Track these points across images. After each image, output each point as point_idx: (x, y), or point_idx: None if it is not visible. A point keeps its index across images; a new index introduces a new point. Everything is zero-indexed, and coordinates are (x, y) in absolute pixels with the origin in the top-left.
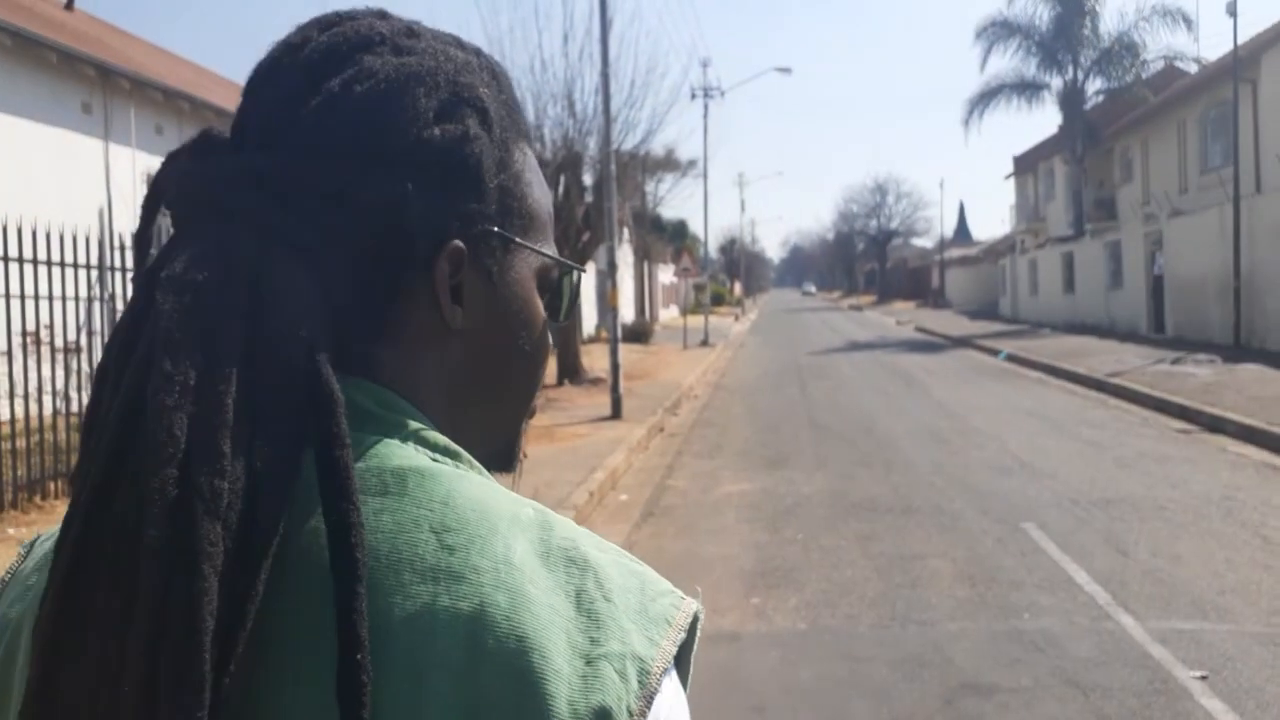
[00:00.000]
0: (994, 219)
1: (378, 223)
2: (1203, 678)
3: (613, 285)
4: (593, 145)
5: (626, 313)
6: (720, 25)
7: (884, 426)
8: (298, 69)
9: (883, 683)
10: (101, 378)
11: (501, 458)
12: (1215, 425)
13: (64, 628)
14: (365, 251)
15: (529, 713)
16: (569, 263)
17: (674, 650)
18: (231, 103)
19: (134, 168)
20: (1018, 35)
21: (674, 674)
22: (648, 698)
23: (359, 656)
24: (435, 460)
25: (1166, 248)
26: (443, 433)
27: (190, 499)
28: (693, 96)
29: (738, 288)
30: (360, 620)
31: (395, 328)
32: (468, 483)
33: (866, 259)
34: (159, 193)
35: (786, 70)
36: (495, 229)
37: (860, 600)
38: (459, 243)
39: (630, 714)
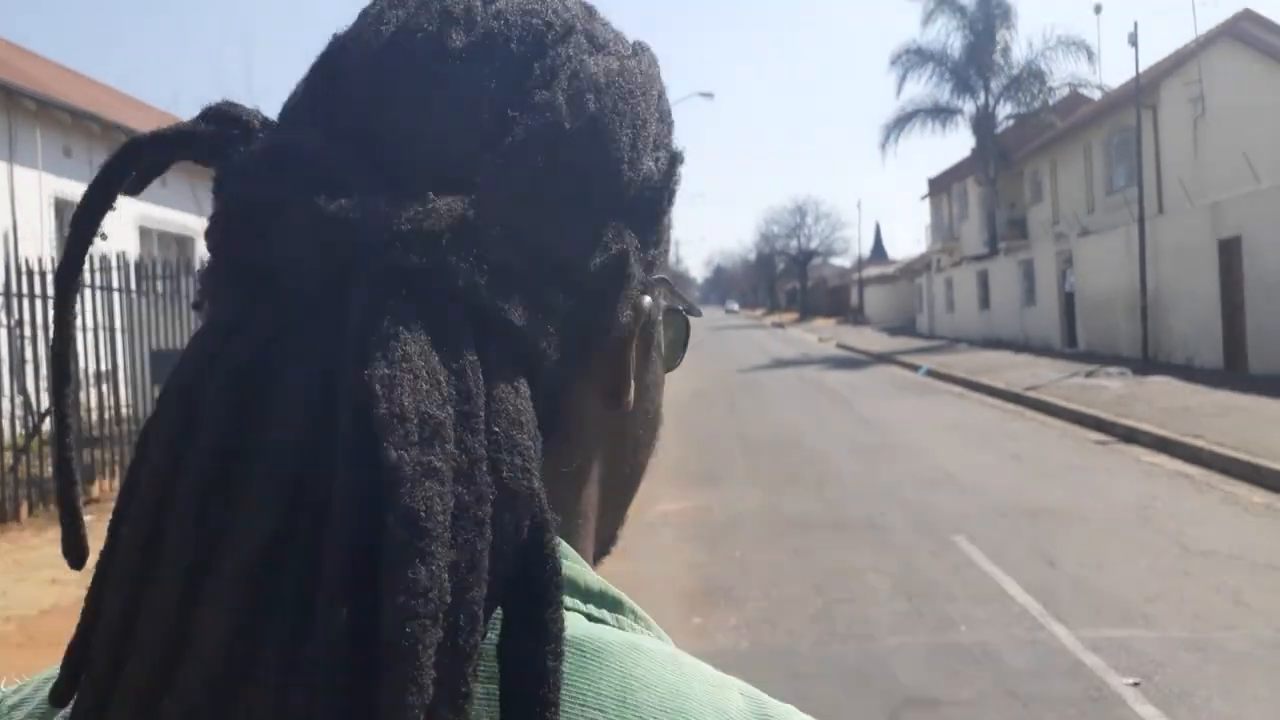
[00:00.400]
0: (909, 239)
1: (600, 290)
2: (1135, 684)
3: None
4: None
5: None
6: None
7: (812, 442)
8: (476, 59)
9: (827, 700)
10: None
11: (605, 548)
12: (1130, 436)
13: None
14: (570, 333)
15: None
16: (694, 306)
17: None
18: (143, 122)
19: (41, 191)
20: (931, 62)
21: None
22: None
23: None
24: (593, 619)
25: (1077, 266)
26: (571, 541)
27: None
28: None
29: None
30: None
31: (554, 422)
32: (646, 661)
33: (788, 278)
34: (234, 246)
35: (709, 95)
36: (666, 278)
37: (800, 617)
38: (649, 299)
39: None
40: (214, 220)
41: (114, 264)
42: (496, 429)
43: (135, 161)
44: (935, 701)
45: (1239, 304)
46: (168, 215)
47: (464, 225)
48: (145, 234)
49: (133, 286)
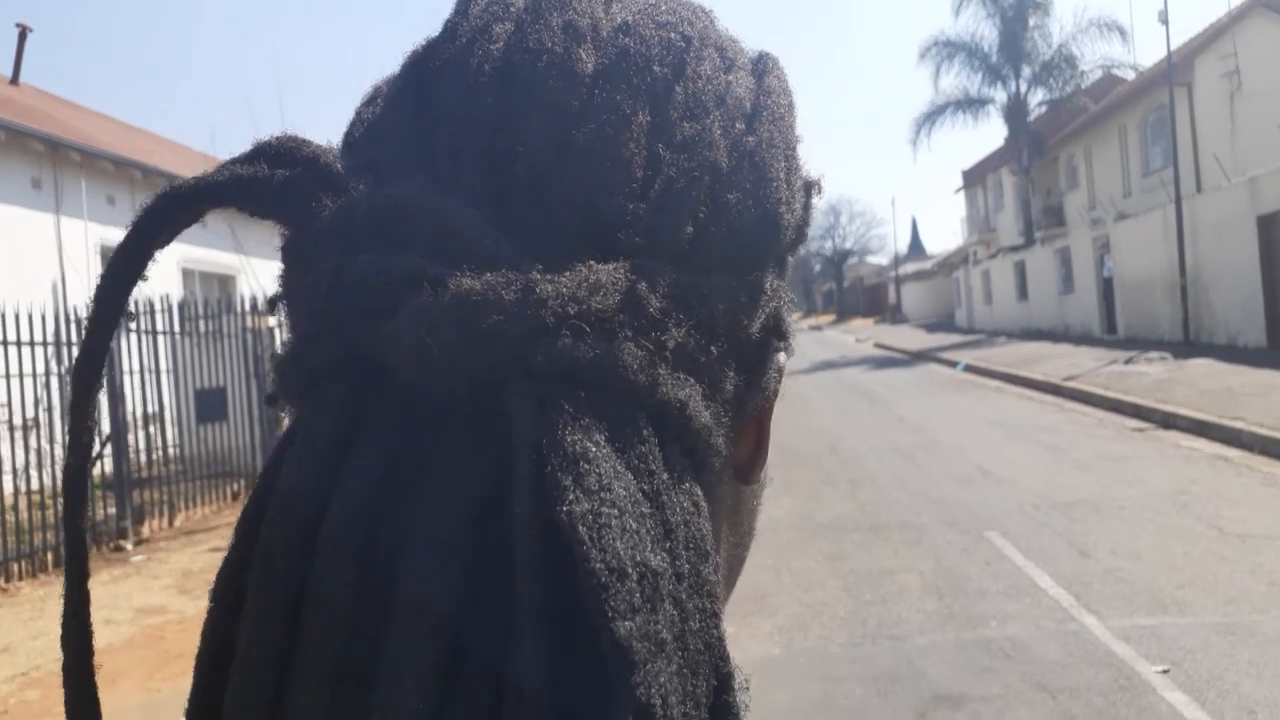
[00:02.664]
0: (946, 232)
1: (760, 358)
2: (1164, 672)
3: None
4: None
5: None
6: None
7: (848, 445)
8: (614, 85)
9: (856, 701)
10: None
11: None
12: (1168, 422)
13: None
14: (731, 414)
15: None
16: (789, 339)
17: None
18: (182, 166)
19: (87, 239)
20: (962, 53)
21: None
22: None
23: None
24: None
25: (1114, 250)
26: None
27: None
28: None
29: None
30: None
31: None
32: None
33: (824, 279)
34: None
35: None
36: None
37: (832, 620)
38: (784, 355)
39: None
40: (306, 297)
41: (158, 306)
42: (687, 565)
43: (174, 218)
44: (964, 698)
45: None
46: (210, 256)
47: (634, 301)
48: (188, 275)
49: (176, 328)
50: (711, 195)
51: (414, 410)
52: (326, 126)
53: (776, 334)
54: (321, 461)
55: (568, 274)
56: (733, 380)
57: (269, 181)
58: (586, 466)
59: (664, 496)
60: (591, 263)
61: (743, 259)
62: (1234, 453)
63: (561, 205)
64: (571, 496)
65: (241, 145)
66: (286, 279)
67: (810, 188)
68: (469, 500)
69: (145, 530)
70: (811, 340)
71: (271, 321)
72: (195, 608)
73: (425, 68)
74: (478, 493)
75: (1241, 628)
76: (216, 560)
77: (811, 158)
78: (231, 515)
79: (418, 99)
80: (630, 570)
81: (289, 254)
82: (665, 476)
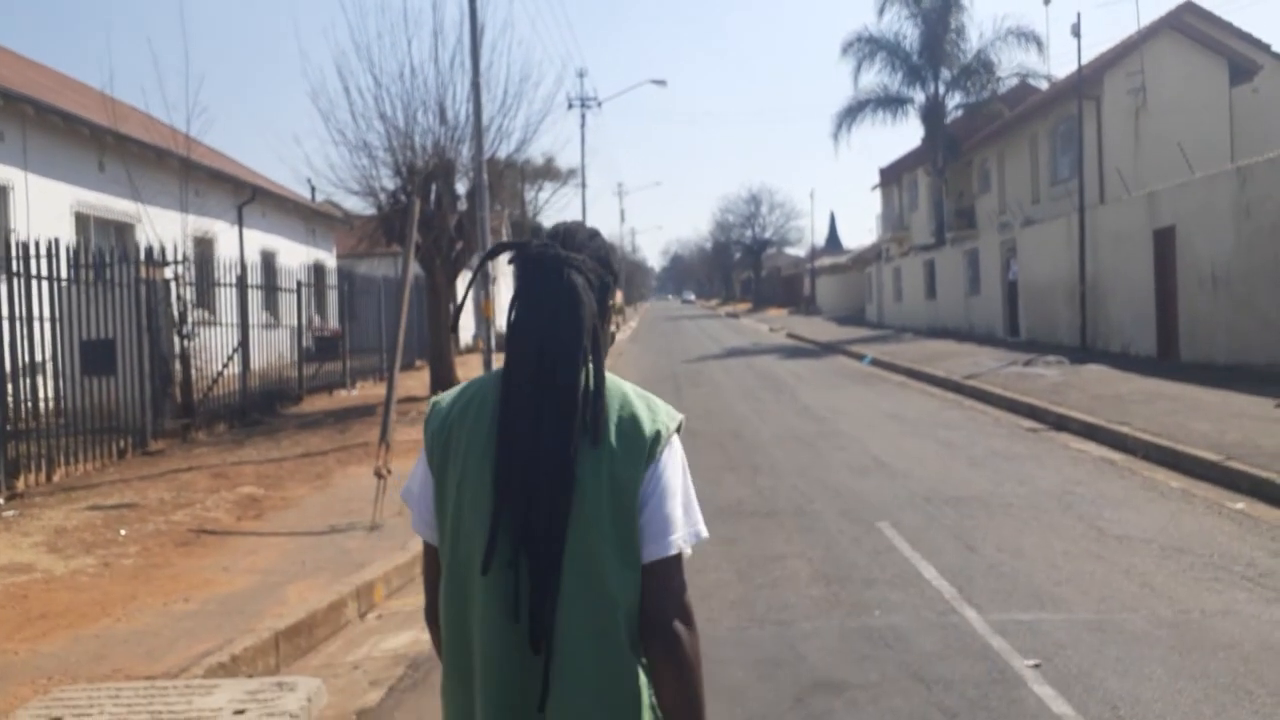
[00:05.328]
0: (862, 229)
1: (609, 284)
2: (1036, 666)
3: (487, 296)
4: (465, 153)
5: (503, 322)
6: (595, 37)
7: (752, 430)
8: (566, 238)
9: (737, 684)
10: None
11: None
12: (1060, 423)
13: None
14: (604, 285)
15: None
16: (616, 279)
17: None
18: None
19: None
20: (883, 51)
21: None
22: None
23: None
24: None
25: (1020, 255)
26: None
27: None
28: (570, 106)
29: (619, 296)
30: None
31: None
32: (622, 385)
33: (743, 267)
34: (524, 254)
35: (661, 83)
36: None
37: (721, 604)
38: (619, 292)
39: (669, 433)
40: (526, 256)
41: (42, 251)
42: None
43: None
44: (843, 685)
45: (1172, 293)
46: (106, 201)
47: (591, 258)
48: (82, 220)
49: (63, 275)
50: (600, 249)
51: (550, 282)
52: (232, 67)
53: (615, 283)
54: (521, 295)
55: (582, 255)
56: (607, 278)
57: (512, 245)
58: (582, 282)
59: (596, 295)
60: (585, 256)
61: (613, 277)
62: (1119, 456)
63: (577, 242)
64: (578, 285)
65: (139, 86)
66: (518, 260)
67: (617, 274)
68: (566, 291)
69: (20, 484)
70: (727, 327)
71: (168, 273)
72: (65, 567)
73: (552, 228)
74: (563, 300)
75: (1111, 625)
76: (94, 518)
77: (737, 144)
78: (117, 473)
79: (552, 230)
80: (585, 300)
81: (521, 258)
82: (593, 294)
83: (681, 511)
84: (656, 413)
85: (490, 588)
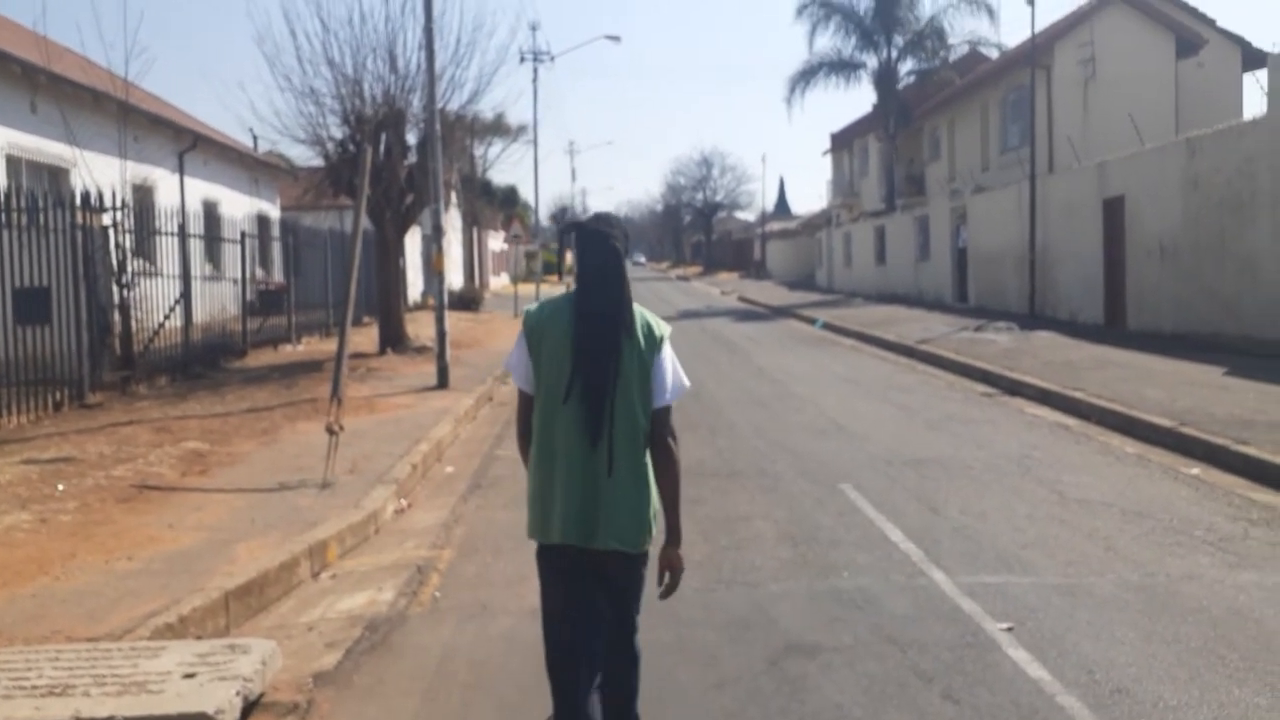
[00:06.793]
0: (812, 194)
1: (625, 243)
2: (1009, 629)
3: (438, 250)
4: (416, 102)
5: (455, 279)
6: None
7: (709, 392)
8: (606, 221)
9: (710, 646)
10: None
11: None
12: (1014, 389)
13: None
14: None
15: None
16: (628, 241)
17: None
18: (11, 43)
19: None
20: (838, 14)
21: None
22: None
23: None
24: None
25: (970, 222)
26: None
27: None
28: (522, 60)
29: (569, 257)
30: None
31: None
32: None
33: (693, 231)
34: (583, 229)
35: (615, 38)
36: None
37: (687, 564)
38: (622, 243)
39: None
40: (583, 232)
41: None
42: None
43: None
44: (816, 647)
45: (1120, 261)
46: (40, 144)
47: (622, 235)
48: (13, 162)
49: None
50: (627, 233)
51: (602, 245)
52: (173, 5)
53: (627, 245)
54: (582, 257)
55: (615, 230)
56: (626, 244)
57: (575, 225)
58: (620, 249)
59: (621, 255)
60: (616, 230)
61: (627, 240)
62: (1073, 421)
63: (612, 226)
64: (618, 251)
65: (74, 23)
66: (580, 233)
67: (627, 236)
68: (610, 261)
69: None
70: (678, 290)
71: (106, 220)
72: None
73: (588, 217)
74: (609, 257)
75: (1081, 589)
76: (29, 472)
77: (690, 105)
78: (53, 426)
79: (594, 216)
80: (618, 267)
81: (582, 233)
82: (618, 258)
83: (671, 380)
84: (660, 324)
85: (568, 411)
